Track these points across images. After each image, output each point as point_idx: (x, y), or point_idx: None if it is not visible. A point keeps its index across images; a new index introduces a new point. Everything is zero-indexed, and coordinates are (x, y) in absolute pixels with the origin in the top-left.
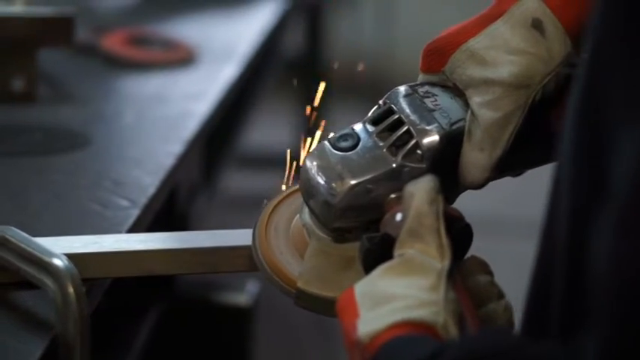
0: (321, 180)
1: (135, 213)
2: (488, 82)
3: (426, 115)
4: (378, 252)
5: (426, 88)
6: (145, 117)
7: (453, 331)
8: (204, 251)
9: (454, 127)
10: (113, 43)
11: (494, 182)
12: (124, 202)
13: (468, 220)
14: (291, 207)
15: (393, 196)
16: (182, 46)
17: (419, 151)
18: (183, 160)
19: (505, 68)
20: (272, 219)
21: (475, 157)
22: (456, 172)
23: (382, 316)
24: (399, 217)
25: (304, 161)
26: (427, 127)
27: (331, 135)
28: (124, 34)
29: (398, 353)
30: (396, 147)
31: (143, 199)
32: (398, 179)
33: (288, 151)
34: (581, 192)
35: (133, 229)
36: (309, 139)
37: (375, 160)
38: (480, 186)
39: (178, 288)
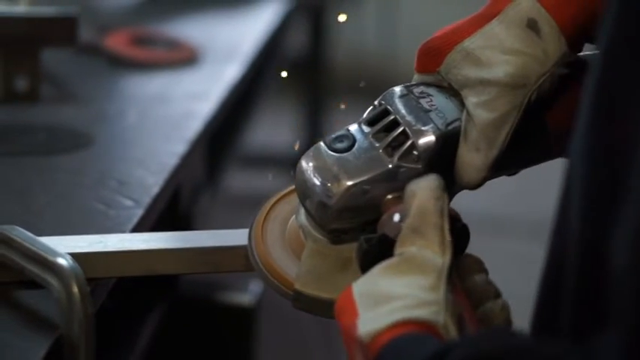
0: (317, 181)
1: (139, 212)
2: (483, 83)
3: (422, 115)
4: (376, 253)
5: (422, 88)
6: (149, 117)
7: (453, 331)
8: (208, 251)
9: (450, 127)
10: (116, 42)
11: (491, 181)
12: (128, 202)
13: (465, 219)
14: (287, 207)
15: (389, 196)
16: (185, 46)
17: (415, 152)
18: (187, 159)
19: (500, 68)
20: (268, 220)
21: (471, 158)
22: (451, 172)
23: (382, 316)
24: (396, 217)
25: (300, 162)
26: (423, 128)
27: (327, 136)
28: (127, 33)
29: (403, 352)
30: (392, 148)
31: (147, 199)
32: (394, 180)
33: None
34: (597, 190)
35: (137, 228)
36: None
37: (371, 161)
38: (476, 186)
39: (181, 288)
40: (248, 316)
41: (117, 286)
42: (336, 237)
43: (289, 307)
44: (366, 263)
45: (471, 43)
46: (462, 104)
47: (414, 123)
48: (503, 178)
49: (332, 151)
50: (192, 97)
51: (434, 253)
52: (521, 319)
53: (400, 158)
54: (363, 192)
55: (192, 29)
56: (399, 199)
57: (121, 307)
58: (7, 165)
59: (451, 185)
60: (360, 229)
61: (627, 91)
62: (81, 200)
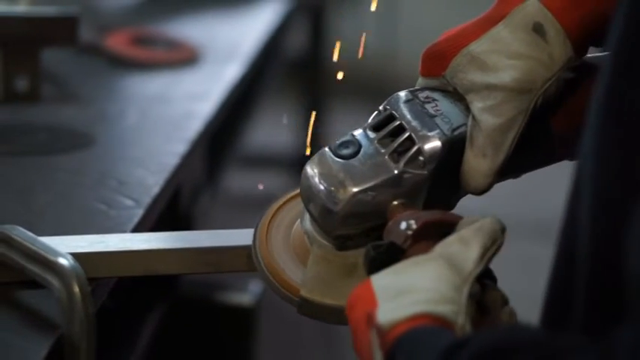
0: (322, 187)
1: (139, 212)
2: (489, 87)
3: (428, 120)
4: (383, 260)
5: (427, 93)
6: (149, 117)
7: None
8: (208, 251)
9: (456, 132)
10: (117, 42)
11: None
12: (129, 202)
13: None
14: (292, 212)
15: (395, 202)
16: (186, 46)
17: (421, 158)
18: (187, 159)
19: (506, 73)
20: (272, 224)
21: (478, 163)
22: (457, 177)
23: (404, 306)
24: (403, 225)
25: (305, 168)
26: (429, 134)
27: (331, 142)
28: (127, 33)
29: (421, 342)
30: (397, 153)
31: (147, 199)
32: (399, 186)
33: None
34: (607, 190)
35: (138, 228)
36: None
37: (377, 167)
38: (483, 192)
39: (181, 288)
40: (248, 316)
41: (117, 286)
42: (341, 243)
43: (289, 308)
44: (374, 270)
45: (477, 47)
46: (467, 109)
47: (419, 128)
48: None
49: (337, 157)
50: (193, 97)
51: (469, 261)
52: (522, 318)
53: (406, 164)
54: (368, 198)
55: (193, 29)
56: (405, 205)
57: (121, 307)
58: (7, 165)
59: (456, 190)
60: (365, 235)
61: (637, 92)
62: (81, 200)
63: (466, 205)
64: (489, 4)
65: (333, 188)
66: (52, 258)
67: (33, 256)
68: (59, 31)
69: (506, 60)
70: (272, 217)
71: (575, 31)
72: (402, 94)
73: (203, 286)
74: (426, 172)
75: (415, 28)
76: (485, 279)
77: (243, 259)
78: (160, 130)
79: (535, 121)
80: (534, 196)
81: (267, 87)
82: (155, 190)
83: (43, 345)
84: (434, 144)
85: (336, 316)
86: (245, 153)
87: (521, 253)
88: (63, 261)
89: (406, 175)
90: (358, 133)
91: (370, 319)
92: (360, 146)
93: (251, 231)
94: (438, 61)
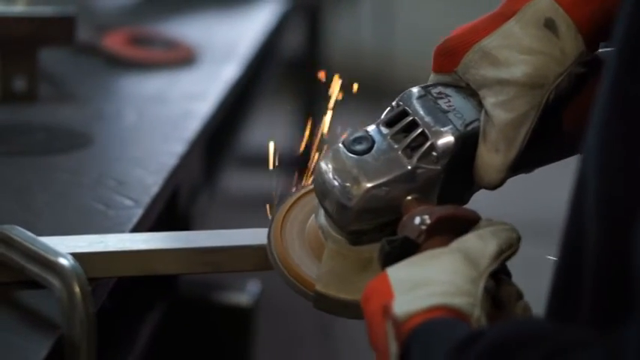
0: (336, 183)
1: (138, 212)
2: (502, 83)
3: (440, 116)
4: (398, 255)
5: (439, 88)
6: (147, 117)
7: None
8: (207, 251)
9: (469, 128)
10: (114, 42)
11: None
12: (128, 202)
13: None
14: (306, 208)
15: (409, 197)
16: (183, 46)
17: (434, 153)
18: (186, 159)
19: (518, 68)
20: (287, 220)
21: (491, 158)
22: (470, 172)
23: (420, 298)
24: (417, 220)
25: (319, 164)
26: (442, 129)
27: (345, 137)
28: (125, 33)
29: (436, 333)
30: (410, 149)
31: (146, 199)
32: (413, 181)
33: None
34: (613, 183)
35: (137, 228)
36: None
37: (390, 163)
38: (496, 187)
39: (180, 288)
40: (246, 316)
41: (116, 286)
42: (356, 238)
43: (287, 308)
44: (388, 265)
45: (489, 42)
46: (479, 104)
47: (432, 124)
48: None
49: (351, 152)
50: (190, 97)
51: (485, 256)
52: None
53: (419, 159)
54: (382, 193)
55: (190, 29)
56: (419, 200)
57: (120, 307)
58: (5, 165)
59: (470, 185)
60: (379, 230)
61: None
62: (80, 200)
63: (467, 205)
64: (488, 3)
65: (347, 184)
66: (52, 258)
67: (33, 256)
68: (57, 31)
69: (518, 55)
70: (286, 212)
71: (587, 25)
72: (415, 89)
73: (202, 286)
74: (439, 168)
75: (412, 28)
76: (500, 274)
77: (243, 259)
78: (158, 130)
79: (547, 116)
80: (534, 196)
81: (265, 87)
82: (154, 189)
83: (44, 345)
84: (447, 139)
85: (351, 310)
86: (242, 153)
87: (522, 253)
88: (63, 261)
89: (419, 171)
90: (371, 128)
91: (386, 310)
92: (373, 142)
93: (251, 231)
94: (450, 57)
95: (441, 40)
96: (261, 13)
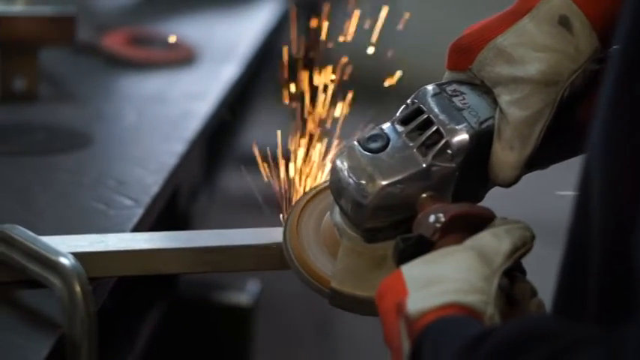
0: (352, 181)
1: (139, 212)
2: (516, 80)
3: (455, 114)
4: (413, 252)
5: (454, 86)
6: (147, 116)
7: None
8: (207, 250)
9: (483, 125)
10: (114, 42)
11: None
12: (128, 201)
13: None
14: (321, 205)
15: (424, 195)
16: (183, 45)
17: (449, 151)
18: (186, 159)
19: (533, 66)
20: (302, 217)
21: (506, 156)
22: (485, 169)
23: (433, 295)
24: (432, 218)
25: (334, 161)
26: (457, 127)
27: (360, 135)
28: (125, 33)
29: (447, 331)
30: (425, 147)
31: (147, 199)
32: (428, 179)
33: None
34: (618, 180)
35: (137, 228)
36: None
37: (405, 161)
38: (511, 184)
39: (180, 287)
40: (246, 316)
41: (116, 286)
42: (371, 235)
43: (286, 308)
44: (403, 262)
45: (503, 40)
46: (494, 102)
47: (447, 122)
48: None
49: (366, 150)
50: (190, 97)
51: (499, 254)
52: None
53: (434, 157)
54: (397, 191)
55: (190, 29)
56: (434, 197)
57: (120, 307)
58: (5, 164)
59: (484, 183)
60: (394, 228)
61: None
62: (80, 200)
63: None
64: (488, 3)
65: (362, 182)
66: (53, 257)
67: (34, 256)
68: (57, 31)
69: (533, 53)
70: (302, 210)
71: (600, 22)
72: (430, 87)
73: (201, 286)
74: (454, 165)
75: (414, 27)
76: (514, 271)
77: (243, 259)
78: (158, 130)
79: (562, 113)
80: (534, 196)
81: (264, 86)
82: (154, 189)
83: (45, 344)
84: (462, 137)
85: (366, 307)
86: (242, 153)
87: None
88: (64, 260)
89: (434, 168)
90: (386, 126)
91: (400, 308)
92: (388, 140)
93: (251, 230)
94: (464, 55)
95: (456, 38)
96: (261, 12)
